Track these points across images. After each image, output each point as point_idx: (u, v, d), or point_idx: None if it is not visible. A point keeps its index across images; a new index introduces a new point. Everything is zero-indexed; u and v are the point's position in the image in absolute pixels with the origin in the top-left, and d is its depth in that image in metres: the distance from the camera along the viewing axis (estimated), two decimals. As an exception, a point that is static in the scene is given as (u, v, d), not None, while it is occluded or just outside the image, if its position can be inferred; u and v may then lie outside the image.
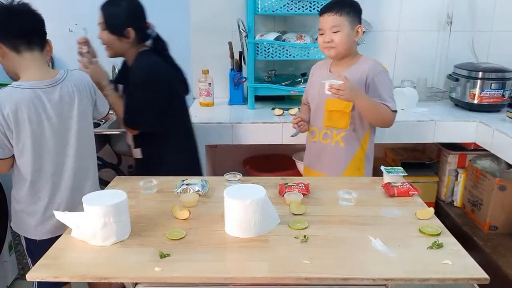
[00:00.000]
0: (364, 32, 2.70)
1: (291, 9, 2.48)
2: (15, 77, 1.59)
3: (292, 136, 2.02)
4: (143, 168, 1.94)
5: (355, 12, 1.81)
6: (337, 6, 1.78)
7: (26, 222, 1.61)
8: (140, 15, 1.89)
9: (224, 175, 1.68)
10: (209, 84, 2.72)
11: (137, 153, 1.96)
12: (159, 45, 1.95)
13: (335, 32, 1.78)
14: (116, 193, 1.33)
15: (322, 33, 1.83)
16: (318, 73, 2.02)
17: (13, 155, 1.54)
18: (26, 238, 1.65)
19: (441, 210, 2.76)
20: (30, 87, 1.52)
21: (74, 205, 1.56)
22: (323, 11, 1.82)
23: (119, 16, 1.82)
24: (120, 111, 1.87)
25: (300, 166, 2.62)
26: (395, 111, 1.83)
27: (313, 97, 1.98)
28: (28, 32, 1.53)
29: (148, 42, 1.94)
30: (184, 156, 2.03)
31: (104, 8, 1.83)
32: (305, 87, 2.15)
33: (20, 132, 1.50)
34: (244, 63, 2.68)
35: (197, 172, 2.07)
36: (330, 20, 1.78)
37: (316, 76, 2.02)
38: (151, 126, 1.89)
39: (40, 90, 1.53)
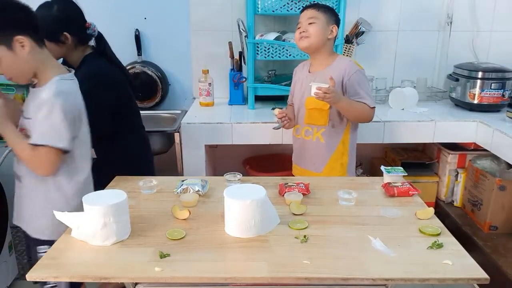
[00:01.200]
0: (364, 32, 2.71)
1: (291, 9, 2.48)
2: (27, 78, 1.53)
3: (274, 128, 2.09)
4: (97, 168, 1.76)
5: (332, 14, 1.92)
6: (317, 5, 1.93)
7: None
8: (75, 17, 1.83)
9: (224, 175, 1.68)
10: (209, 84, 2.72)
11: (92, 153, 1.81)
12: (101, 46, 1.90)
13: (311, 24, 1.87)
14: (116, 193, 1.33)
15: (299, 26, 1.92)
16: (299, 73, 2.10)
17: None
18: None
19: (441, 210, 2.76)
20: (69, 78, 1.55)
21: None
22: (304, 8, 1.95)
23: (50, 22, 1.72)
24: None
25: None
26: (374, 108, 1.91)
27: (296, 96, 2.06)
28: (39, 26, 1.51)
29: (92, 42, 1.90)
30: (135, 157, 2.01)
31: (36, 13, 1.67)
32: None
33: (81, 122, 1.55)
34: (244, 63, 2.68)
35: (149, 173, 2.00)
36: (308, 13, 1.89)
37: (298, 76, 2.10)
38: (101, 130, 1.82)
39: (75, 81, 1.58)
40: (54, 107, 1.45)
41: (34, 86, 1.57)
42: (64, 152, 1.48)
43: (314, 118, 1.97)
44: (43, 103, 1.45)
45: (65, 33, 1.76)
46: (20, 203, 1.61)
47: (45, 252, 1.31)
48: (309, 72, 2.01)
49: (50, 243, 1.37)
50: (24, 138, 1.48)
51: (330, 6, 2.06)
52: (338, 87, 1.88)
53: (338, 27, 1.94)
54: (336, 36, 1.93)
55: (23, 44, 1.44)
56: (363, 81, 1.92)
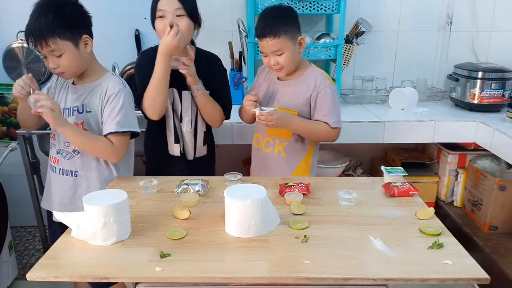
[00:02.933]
0: (364, 32, 2.71)
1: (291, 9, 2.47)
2: (77, 74, 1.65)
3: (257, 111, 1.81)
4: (207, 165, 2.00)
5: (293, 24, 1.73)
6: (274, 28, 1.68)
7: None
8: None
9: (224, 175, 1.67)
10: (209, 84, 2.71)
11: (204, 150, 1.98)
12: None
13: (279, 55, 1.73)
14: (116, 193, 1.33)
15: (265, 55, 1.77)
16: (265, 76, 1.94)
17: None
18: None
19: (441, 210, 2.76)
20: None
21: None
22: (260, 35, 1.72)
23: (196, 5, 1.77)
24: (216, 109, 1.87)
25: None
26: (337, 128, 1.81)
27: (262, 101, 1.89)
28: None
29: None
30: None
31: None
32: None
33: None
34: (244, 63, 2.68)
35: None
36: (271, 45, 1.70)
37: (263, 78, 1.95)
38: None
39: None
40: (126, 97, 1.63)
41: (73, 83, 1.69)
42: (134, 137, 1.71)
43: (277, 130, 1.83)
44: (112, 94, 1.61)
45: (199, 15, 1.81)
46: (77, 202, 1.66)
47: None
48: (278, 79, 1.87)
49: None
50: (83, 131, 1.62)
51: (285, 9, 1.79)
52: (305, 98, 1.80)
53: (300, 31, 1.76)
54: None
55: (87, 42, 1.59)
56: (331, 98, 1.79)
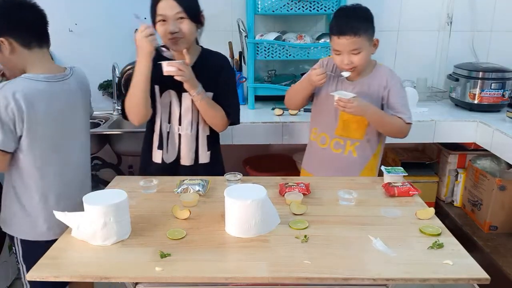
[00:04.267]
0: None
1: (291, 9, 2.48)
2: (16, 75, 1.55)
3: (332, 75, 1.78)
4: (209, 172, 1.81)
5: (371, 25, 1.72)
6: (355, 27, 1.66)
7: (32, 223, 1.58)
8: None
9: (224, 175, 1.67)
10: (209, 84, 2.71)
11: (207, 157, 1.85)
12: None
13: (354, 54, 1.69)
14: (116, 193, 1.33)
15: (338, 53, 1.72)
16: (329, 72, 1.84)
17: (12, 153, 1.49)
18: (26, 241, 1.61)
19: (441, 210, 2.76)
20: (44, 79, 1.51)
21: (77, 203, 1.49)
22: (339, 32, 1.67)
23: (198, 5, 1.71)
24: (217, 113, 1.76)
25: (300, 166, 2.62)
26: (410, 123, 1.78)
27: (322, 100, 1.86)
28: (39, 27, 1.53)
29: None
30: None
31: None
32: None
33: (32, 123, 1.47)
34: (244, 63, 2.68)
35: None
36: (349, 43, 1.67)
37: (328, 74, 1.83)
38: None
39: (53, 83, 1.54)
40: None
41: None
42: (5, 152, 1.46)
43: (349, 130, 1.81)
44: None
45: (202, 13, 1.73)
46: None
47: None
48: (346, 79, 1.80)
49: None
50: None
51: (364, 9, 1.74)
52: (376, 97, 1.78)
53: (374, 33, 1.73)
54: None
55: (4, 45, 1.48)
56: (402, 94, 1.80)
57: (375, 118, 1.75)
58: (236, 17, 2.62)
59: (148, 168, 1.86)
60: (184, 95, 1.74)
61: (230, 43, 2.72)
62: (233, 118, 1.83)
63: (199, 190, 1.57)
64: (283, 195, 1.55)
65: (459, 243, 1.27)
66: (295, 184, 1.61)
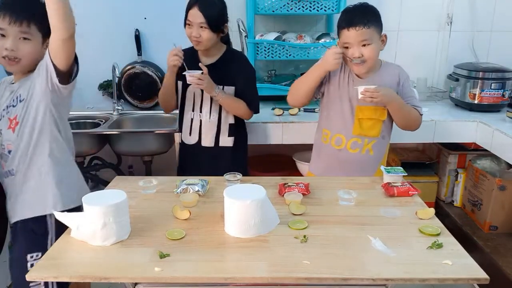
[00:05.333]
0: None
1: (291, 9, 2.48)
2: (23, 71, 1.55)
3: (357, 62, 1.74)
4: (233, 158, 2.10)
5: (379, 20, 1.73)
6: (365, 17, 1.67)
7: None
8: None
9: (224, 175, 1.67)
10: (209, 84, 2.72)
11: (229, 141, 2.09)
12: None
13: (365, 46, 1.69)
14: (116, 193, 1.33)
15: (347, 46, 1.72)
16: (338, 71, 1.83)
17: None
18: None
19: (441, 210, 2.76)
20: None
21: None
22: (350, 24, 1.68)
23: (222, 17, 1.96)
24: (239, 107, 2.03)
25: (300, 166, 2.62)
26: (422, 115, 1.85)
27: (334, 100, 1.85)
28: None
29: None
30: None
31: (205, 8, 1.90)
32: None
33: None
34: (244, 63, 2.68)
35: None
36: (360, 34, 1.66)
37: (336, 73, 1.84)
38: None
39: None
40: None
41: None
42: None
43: (366, 128, 1.81)
44: None
45: (226, 24, 1.98)
46: None
47: None
48: (357, 76, 1.80)
49: None
50: None
51: (372, 6, 1.75)
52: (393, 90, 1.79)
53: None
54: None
55: None
56: (412, 88, 1.85)
57: (398, 106, 1.77)
58: (236, 17, 2.62)
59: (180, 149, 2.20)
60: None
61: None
62: (254, 108, 2.09)
63: (198, 191, 1.57)
64: (283, 195, 1.55)
65: (459, 243, 1.27)
66: (295, 184, 1.61)
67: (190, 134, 2.09)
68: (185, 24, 1.94)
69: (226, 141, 2.09)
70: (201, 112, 2.06)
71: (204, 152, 2.09)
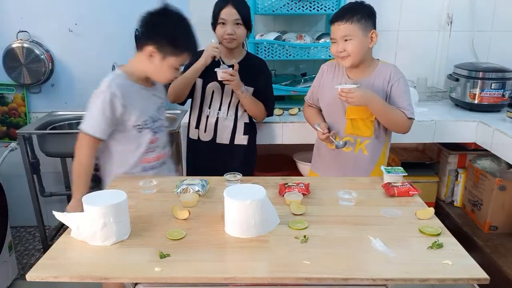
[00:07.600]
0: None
1: (291, 9, 2.48)
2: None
3: (339, 148, 1.86)
4: (245, 156, 2.20)
5: (368, 17, 1.76)
6: (348, 14, 1.74)
7: None
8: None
9: (224, 175, 1.67)
10: (209, 84, 2.73)
11: (244, 140, 2.19)
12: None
13: (347, 41, 1.74)
14: (116, 193, 1.33)
15: (334, 41, 1.79)
16: (331, 76, 1.93)
17: None
18: None
19: (441, 210, 2.76)
20: None
21: None
22: (334, 19, 1.77)
23: (250, 14, 2.09)
24: (258, 107, 2.14)
25: (300, 166, 2.62)
26: (412, 119, 1.81)
27: (328, 102, 1.92)
28: None
29: None
30: None
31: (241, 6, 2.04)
32: (305, 87, 2.15)
33: None
34: (244, 63, 2.69)
35: None
36: (342, 29, 1.74)
37: (329, 78, 1.93)
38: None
39: None
40: (96, 99, 1.72)
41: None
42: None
43: (359, 128, 1.85)
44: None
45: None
46: None
47: None
48: (348, 77, 1.86)
49: None
50: None
51: (364, 4, 1.81)
52: (382, 93, 1.79)
53: (375, 28, 1.78)
54: (376, 41, 1.79)
55: None
56: (405, 90, 1.82)
57: (379, 109, 1.77)
58: (236, 17, 2.62)
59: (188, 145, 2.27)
60: (227, 87, 2.10)
61: (230, 43, 2.72)
62: (270, 111, 2.22)
63: (198, 190, 1.57)
64: (283, 195, 1.55)
65: (459, 243, 1.27)
66: (295, 184, 1.61)
67: (205, 131, 2.16)
68: (214, 25, 2.04)
69: (241, 139, 2.18)
70: (219, 110, 2.14)
71: (218, 149, 2.17)
